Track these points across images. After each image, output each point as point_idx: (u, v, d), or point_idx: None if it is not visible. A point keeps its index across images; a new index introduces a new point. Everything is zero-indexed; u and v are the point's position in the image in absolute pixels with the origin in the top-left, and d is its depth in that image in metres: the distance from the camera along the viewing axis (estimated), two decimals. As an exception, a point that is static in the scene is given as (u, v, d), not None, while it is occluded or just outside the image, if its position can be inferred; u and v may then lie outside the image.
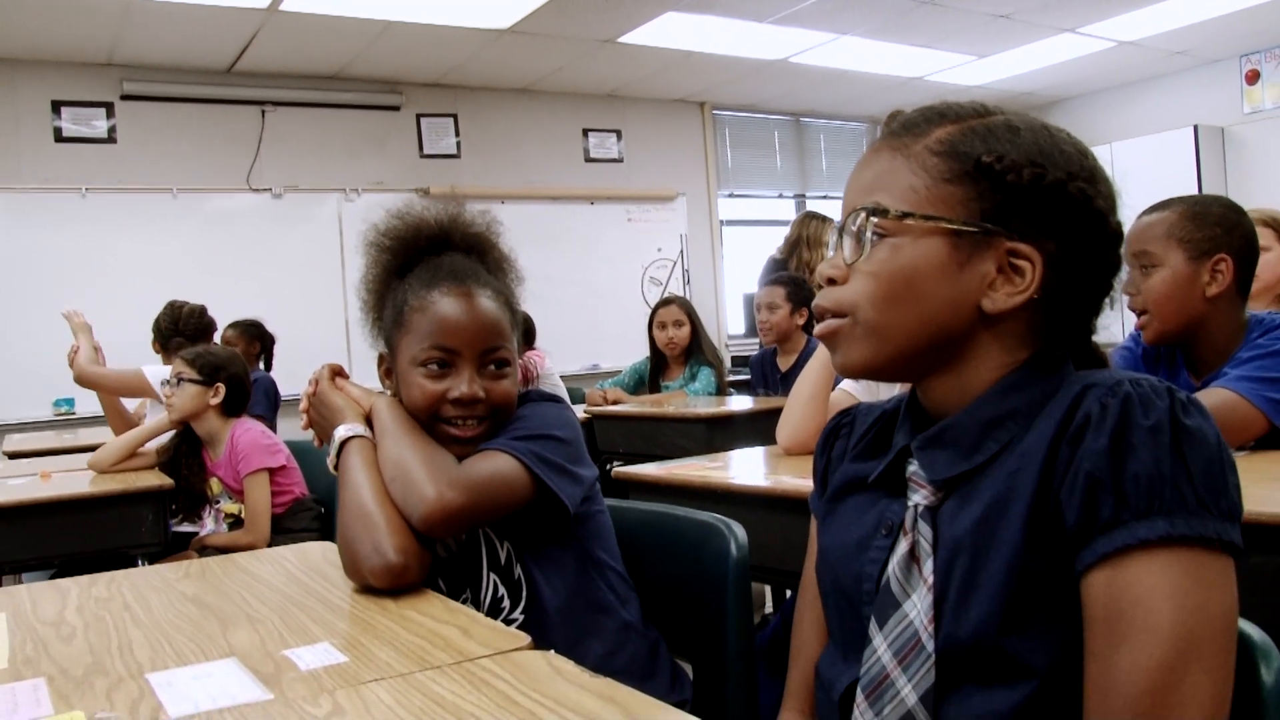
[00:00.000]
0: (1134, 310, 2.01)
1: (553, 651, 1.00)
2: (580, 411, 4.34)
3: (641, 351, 5.18)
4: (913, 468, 0.95)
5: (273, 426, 4.96)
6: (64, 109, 6.39)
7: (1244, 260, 1.92)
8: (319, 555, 1.55)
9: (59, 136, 6.38)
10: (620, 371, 5.17)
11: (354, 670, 1.00)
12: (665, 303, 4.89)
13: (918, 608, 0.89)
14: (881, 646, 0.91)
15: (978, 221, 0.89)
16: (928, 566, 0.90)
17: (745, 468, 2.21)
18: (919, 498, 0.93)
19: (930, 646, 0.87)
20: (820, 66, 7.53)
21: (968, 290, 0.90)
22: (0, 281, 6.05)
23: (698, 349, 4.67)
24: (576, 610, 1.40)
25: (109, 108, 6.50)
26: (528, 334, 5.36)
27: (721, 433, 3.45)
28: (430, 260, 1.49)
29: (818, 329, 0.98)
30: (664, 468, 2.21)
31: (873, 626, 0.93)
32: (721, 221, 8.86)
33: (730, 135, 8.84)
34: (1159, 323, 1.97)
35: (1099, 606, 0.79)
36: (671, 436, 3.63)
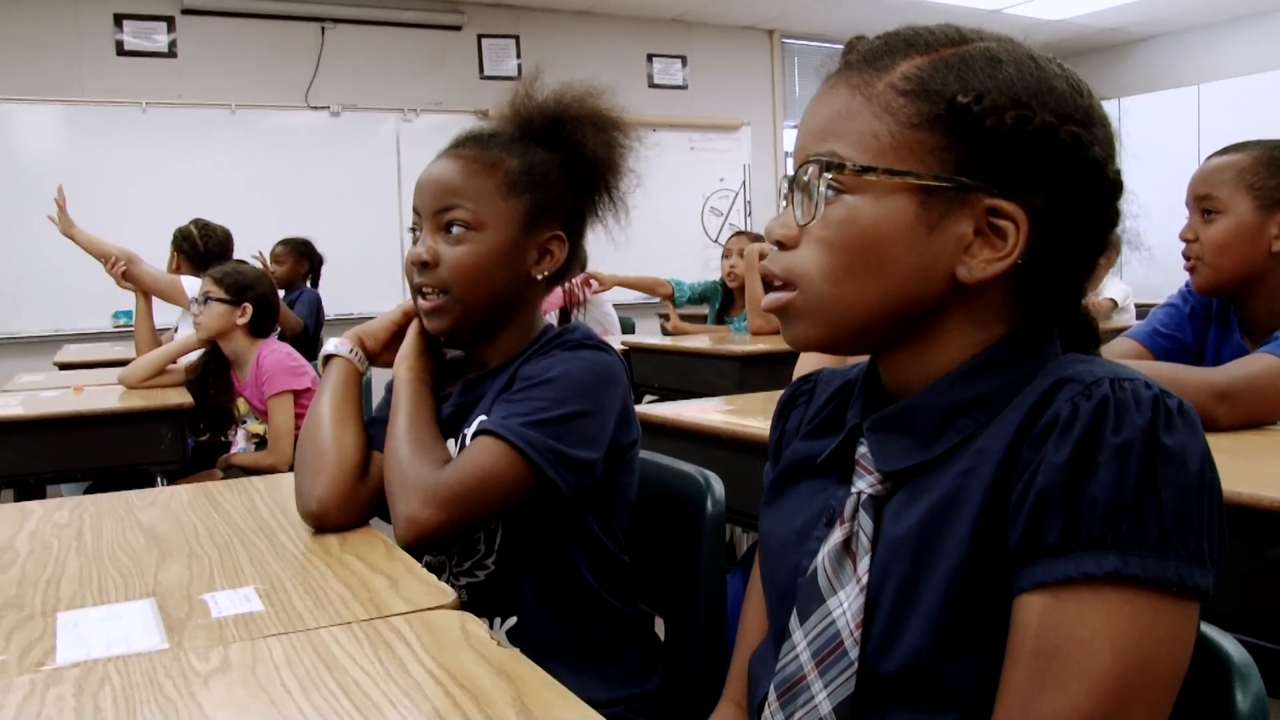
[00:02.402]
0: (1187, 257, 1.86)
1: (471, 615, 0.94)
2: (617, 344, 4.28)
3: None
4: (862, 449, 0.83)
5: (317, 339, 4.98)
6: (126, 22, 6.39)
7: None
8: (288, 489, 1.50)
9: (120, 50, 6.39)
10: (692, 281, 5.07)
11: (262, 621, 0.95)
12: (737, 233, 4.82)
13: (843, 606, 0.78)
14: (801, 644, 0.81)
15: (951, 175, 0.75)
16: (863, 564, 0.79)
17: (758, 412, 2.12)
18: (863, 484, 0.82)
19: (853, 654, 0.77)
20: (894, -6, 7.24)
21: (939, 256, 0.76)
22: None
23: None
24: (551, 577, 1.30)
25: (170, 21, 6.48)
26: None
27: (755, 372, 3.36)
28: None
29: (766, 300, 0.84)
30: (673, 408, 2.13)
31: (794, 620, 0.82)
32: (786, 153, 8.65)
33: (799, 65, 8.59)
34: (1212, 271, 1.82)
35: (1030, 637, 0.68)
36: (705, 373, 3.54)
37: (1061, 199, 0.76)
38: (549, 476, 1.21)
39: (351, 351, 1.40)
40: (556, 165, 1.35)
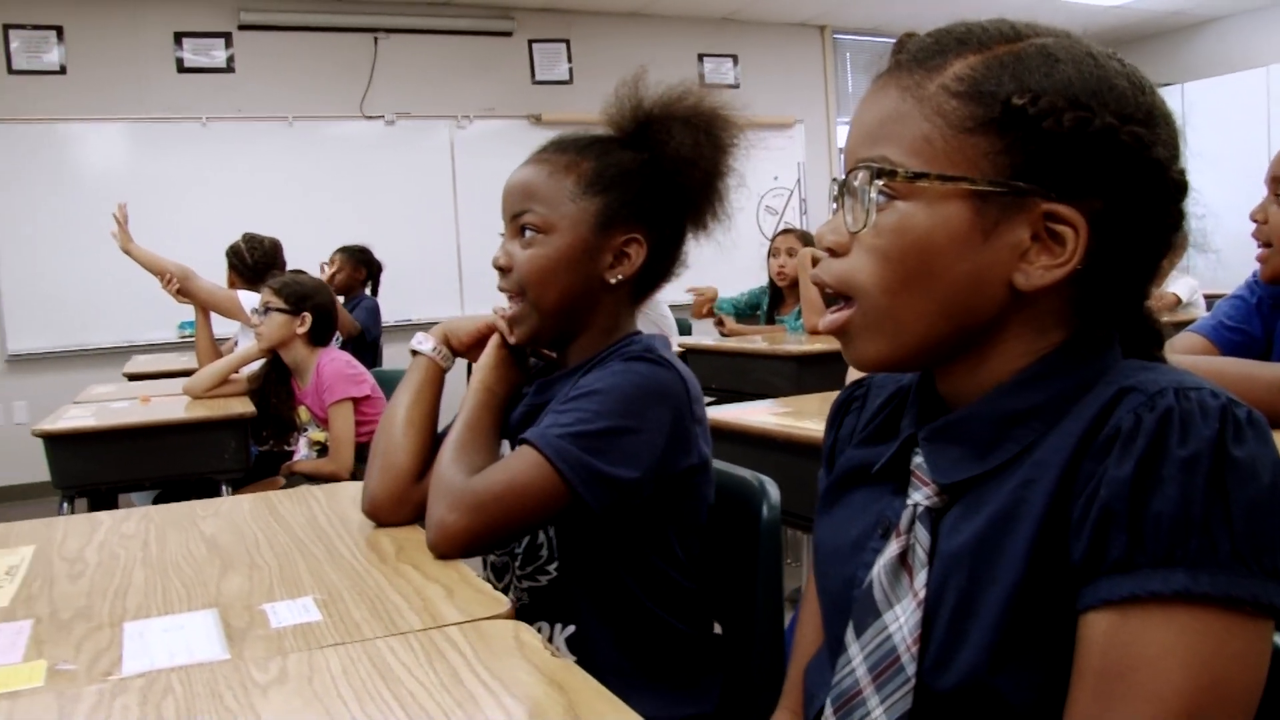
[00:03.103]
0: (1257, 239, 1.80)
1: (525, 624, 0.94)
2: (675, 345, 4.27)
3: (754, 282, 5.08)
4: (918, 459, 0.82)
5: (377, 347, 5.04)
6: (185, 40, 6.53)
7: None
8: (348, 498, 1.52)
9: (180, 67, 6.54)
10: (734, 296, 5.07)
11: (320, 632, 0.96)
12: (785, 231, 4.79)
13: (900, 621, 0.77)
14: (857, 658, 0.80)
15: (1007, 180, 0.72)
16: (920, 578, 0.77)
17: (814, 413, 2.11)
18: (919, 496, 0.80)
19: (911, 669, 0.75)
20: (947, -15, 7.16)
21: (995, 264, 0.74)
22: (128, 208, 6.25)
23: None
24: (606, 591, 1.29)
25: (228, 38, 6.62)
26: None
27: (812, 372, 3.34)
28: None
29: (824, 321, 0.83)
30: (727, 411, 2.12)
31: (849, 633, 0.81)
32: (841, 150, 8.59)
33: (851, 60, 8.53)
34: None
35: (1096, 655, 0.66)
36: (762, 374, 3.52)
37: (1122, 202, 0.73)
38: (578, 491, 1.18)
39: (435, 349, 1.42)
40: (639, 166, 1.32)
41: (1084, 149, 0.72)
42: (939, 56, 0.77)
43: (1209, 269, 6.41)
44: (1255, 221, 1.78)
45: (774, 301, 4.85)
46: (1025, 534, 0.70)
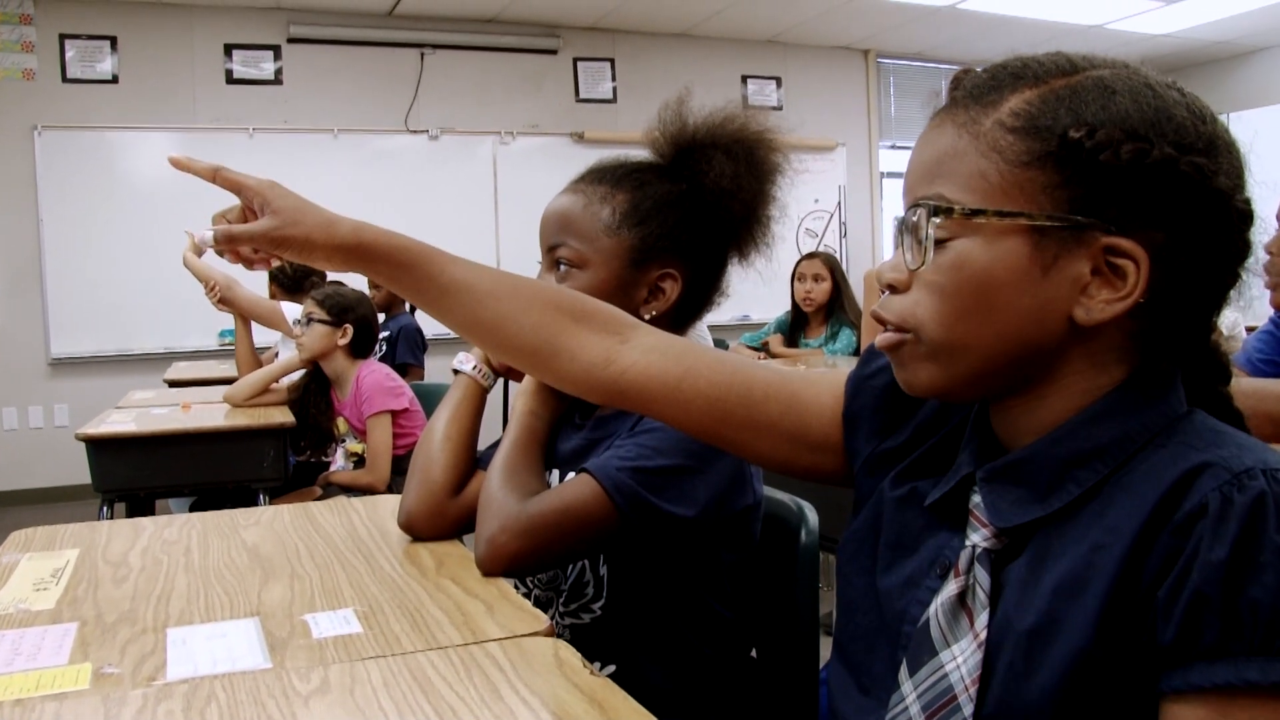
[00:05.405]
0: (1268, 272, 1.78)
1: (564, 643, 0.94)
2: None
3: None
4: (976, 499, 0.81)
5: (421, 372, 5.05)
6: (235, 52, 6.64)
7: None
8: (388, 510, 1.53)
9: (230, 78, 6.65)
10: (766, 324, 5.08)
11: (360, 643, 0.97)
12: (809, 256, 4.77)
13: (958, 661, 0.76)
14: (910, 695, 0.79)
15: (1065, 214, 0.71)
16: (980, 619, 0.76)
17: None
18: (978, 537, 0.79)
19: (968, 710, 0.74)
20: (991, 13, 7.14)
21: (1055, 298, 0.73)
22: (173, 216, 6.33)
23: (839, 308, 4.55)
24: (653, 626, 1.28)
25: (276, 50, 6.72)
26: None
27: (850, 396, 3.31)
28: None
29: (879, 340, 0.83)
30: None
31: (903, 671, 0.80)
32: (882, 173, 8.58)
33: (895, 84, 8.51)
34: None
35: None
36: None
37: (1185, 233, 0.72)
38: (632, 525, 1.18)
39: (475, 368, 1.41)
40: (676, 198, 1.29)
41: (1143, 181, 0.71)
42: (994, 92, 0.76)
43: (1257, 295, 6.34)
44: (1270, 254, 1.76)
45: (797, 325, 4.84)
46: (1094, 601, 0.69)
